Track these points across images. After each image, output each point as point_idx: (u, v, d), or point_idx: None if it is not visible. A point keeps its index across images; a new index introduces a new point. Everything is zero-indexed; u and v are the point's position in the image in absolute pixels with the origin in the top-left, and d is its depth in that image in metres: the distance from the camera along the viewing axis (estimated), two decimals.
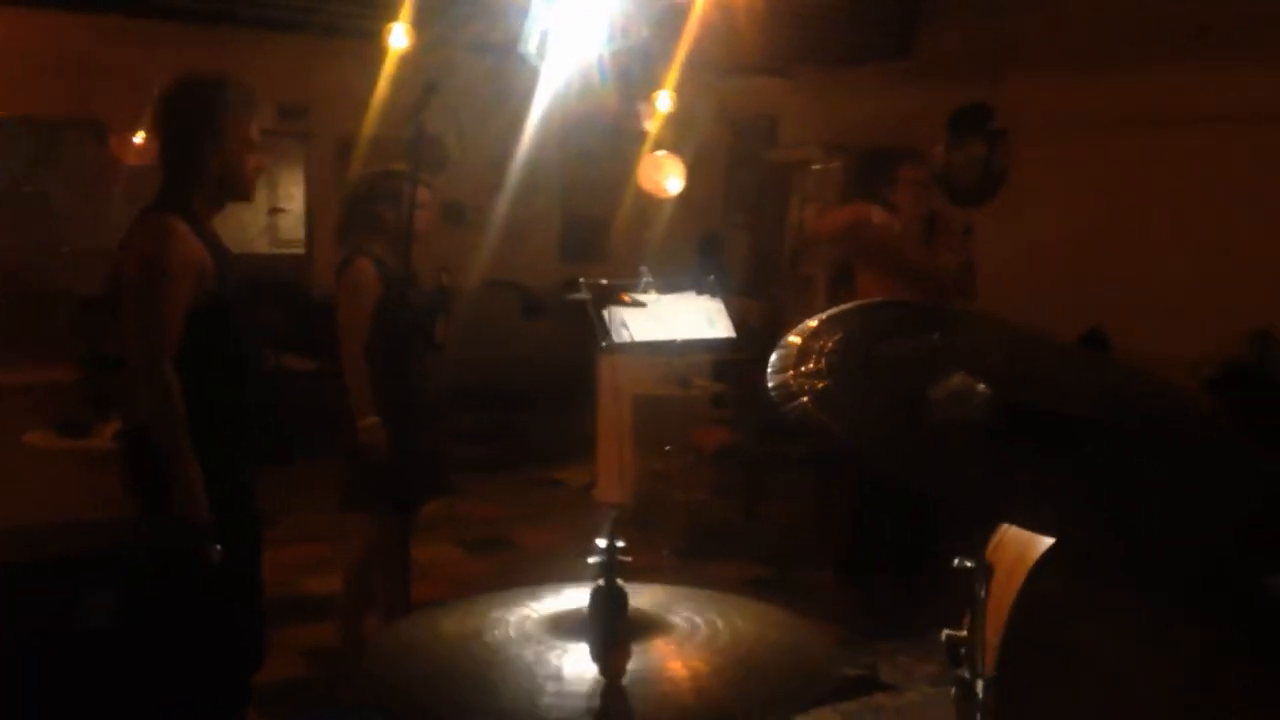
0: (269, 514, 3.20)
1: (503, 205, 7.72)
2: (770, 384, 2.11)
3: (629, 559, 1.49)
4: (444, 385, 4.34)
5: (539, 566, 4.90)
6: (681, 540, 5.25)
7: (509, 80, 6.11)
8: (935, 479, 1.97)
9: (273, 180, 8.84)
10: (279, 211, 8.90)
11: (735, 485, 5.93)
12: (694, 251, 8.03)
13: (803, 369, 2.10)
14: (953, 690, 2.68)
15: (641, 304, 4.39)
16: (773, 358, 2.17)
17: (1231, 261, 5.96)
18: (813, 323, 2.24)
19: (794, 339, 2.20)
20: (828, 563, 4.85)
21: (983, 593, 2.17)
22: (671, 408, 5.83)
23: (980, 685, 2.21)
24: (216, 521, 2.76)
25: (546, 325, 8.36)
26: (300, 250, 8.65)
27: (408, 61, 5.57)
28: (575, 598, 1.58)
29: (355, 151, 6.95)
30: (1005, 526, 2.83)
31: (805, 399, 2.03)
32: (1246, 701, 2.52)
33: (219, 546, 2.65)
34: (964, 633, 2.28)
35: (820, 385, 2.05)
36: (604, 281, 4.51)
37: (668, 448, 5.20)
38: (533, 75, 5.54)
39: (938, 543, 4.47)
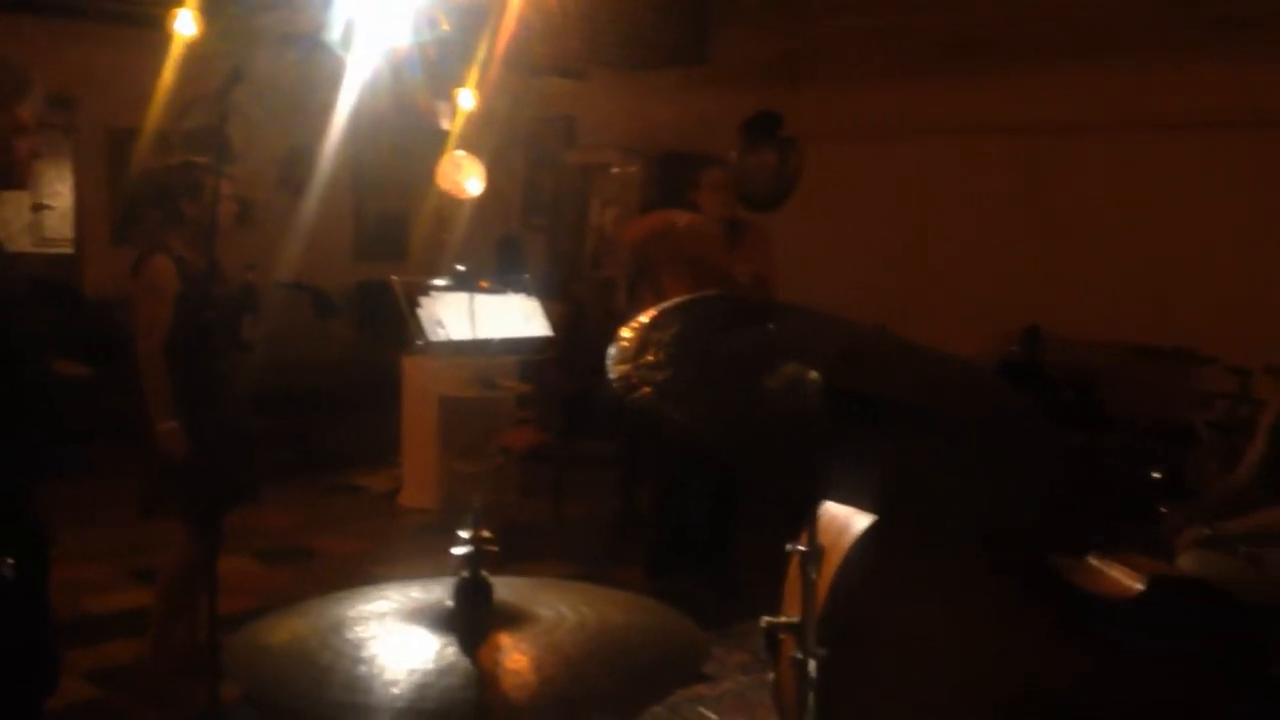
0: (50, 529, 2.99)
1: (293, 203, 7.45)
2: (611, 376, 2.13)
3: (495, 549, 1.47)
4: (248, 388, 4.16)
5: (343, 575, 4.75)
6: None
7: (305, 72, 5.90)
8: (775, 464, 2.04)
9: (36, 175, 8.22)
10: (44, 208, 8.28)
11: (544, 486, 5.92)
12: (492, 253, 7.97)
13: (642, 361, 2.13)
14: (770, 676, 2.78)
15: (481, 289, 4.30)
16: (611, 350, 2.19)
17: (1003, 262, 6.42)
18: (648, 316, 2.28)
19: (631, 332, 2.23)
20: (637, 560, 4.91)
21: (814, 574, 2.26)
22: (479, 409, 5.77)
23: (813, 665, 2.30)
24: (2, 534, 2.54)
25: (342, 326, 8.11)
26: (68, 249, 8.09)
27: (196, 51, 5.30)
28: (437, 591, 1.55)
29: (134, 145, 6.57)
30: (821, 512, 2.95)
31: (648, 390, 2.06)
32: (1035, 656, 2.71)
33: (10, 560, 2.45)
34: (783, 619, 2.36)
35: (661, 376, 2.09)
36: (417, 280, 4.42)
37: (481, 445, 5.15)
38: (329, 67, 5.38)
39: (737, 536, 4.61)
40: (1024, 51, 6.29)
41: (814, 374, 2.10)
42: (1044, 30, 6.23)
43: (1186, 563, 3.54)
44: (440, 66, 6.34)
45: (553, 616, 1.48)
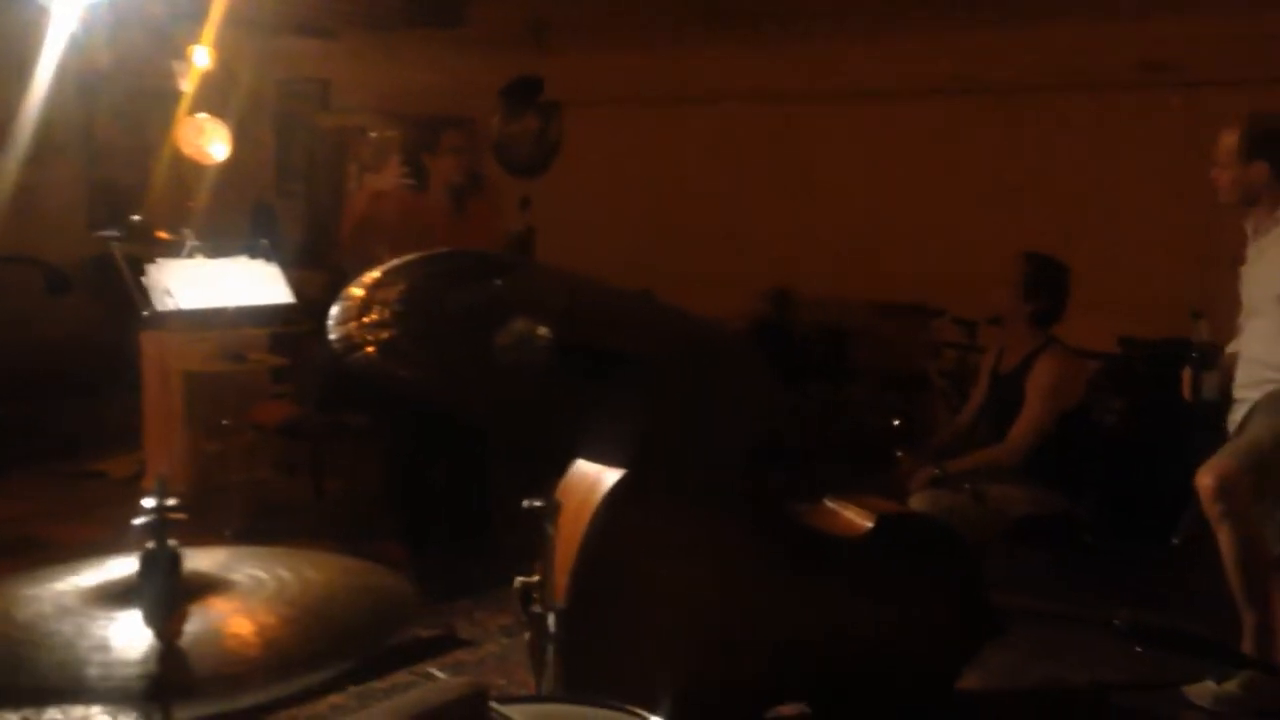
0: None
1: (11, 170, 6.84)
2: (332, 336, 2.06)
3: (182, 516, 1.38)
4: None
5: (82, 565, 4.43)
6: (243, 522, 4.97)
7: (10, 27, 5.42)
8: (507, 418, 2.03)
9: None
10: None
11: (301, 462, 5.71)
12: (246, 222, 7.60)
13: (366, 320, 2.07)
14: (527, 635, 2.77)
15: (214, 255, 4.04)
16: (334, 310, 2.12)
17: (756, 225, 6.63)
18: (375, 274, 2.21)
19: (356, 291, 2.16)
20: (398, 532, 4.81)
21: (550, 529, 2.26)
22: (227, 384, 5.47)
23: (551, 619, 2.31)
24: None
25: (77, 302, 7.54)
26: None
27: None
28: (124, 568, 1.45)
29: None
30: (571, 470, 2.97)
31: (370, 349, 2.01)
32: (769, 598, 2.82)
33: None
34: (536, 577, 2.37)
35: (386, 335, 2.04)
36: (142, 245, 4.13)
37: (225, 422, 4.89)
38: (42, 20, 4.94)
39: (492, 500, 4.58)
40: (774, 21, 6.48)
41: (543, 329, 2.10)
42: (792, 1, 6.44)
43: (918, 502, 3.76)
44: (170, 23, 5.95)
45: (250, 583, 1.41)
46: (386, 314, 1.99)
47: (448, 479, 4.45)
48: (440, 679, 1.78)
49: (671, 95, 6.97)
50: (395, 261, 2.19)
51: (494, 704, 1.75)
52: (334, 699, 3.40)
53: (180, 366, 5.46)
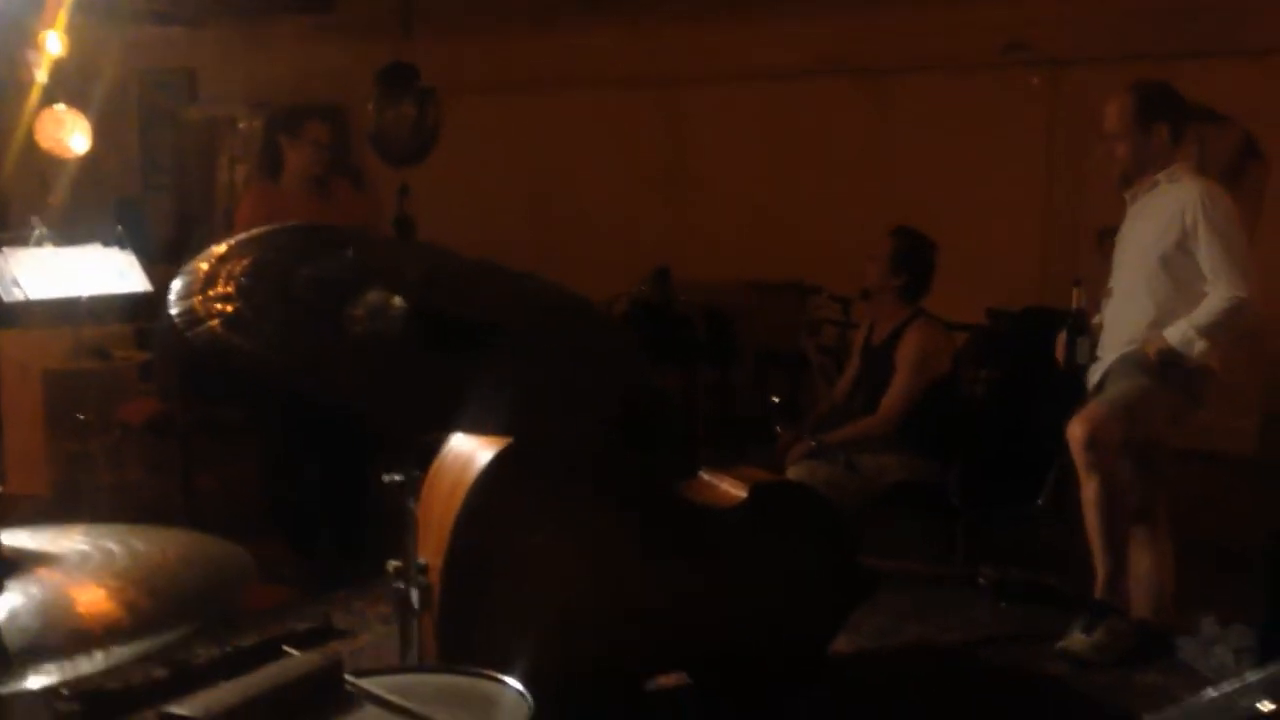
0: None
1: None
2: (174, 310, 1.99)
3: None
4: None
5: None
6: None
7: None
8: (360, 391, 1.98)
9: None
10: None
11: (170, 461, 5.52)
12: (109, 218, 7.32)
13: (210, 293, 2.00)
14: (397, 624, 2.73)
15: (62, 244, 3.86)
16: (176, 284, 2.04)
17: (637, 208, 6.64)
18: (220, 248, 2.14)
19: (201, 264, 2.09)
20: (273, 528, 4.69)
21: (411, 504, 2.23)
22: (91, 382, 5.27)
23: (415, 595, 2.28)
24: None
25: None
26: None
27: None
28: None
29: None
30: (444, 450, 2.93)
31: (214, 322, 1.94)
32: (644, 571, 2.84)
33: None
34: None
35: (230, 308, 1.97)
36: None
37: (81, 416, 4.71)
38: None
39: (369, 488, 4.51)
40: (649, 4, 6.49)
41: (397, 299, 2.06)
42: None
43: (795, 473, 3.82)
44: (21, 9, 5.70)
45: (75, 557, 1.35)
46: (231, 287, 1.92)
47: (323, 472, 4.35)
48: (295, 655, 1.73)
49: (549, 80, 6.94)
50: (243, 235, 2.12)
51: (349, 676, 1.71)
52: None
53: (40, 365, 5.24)
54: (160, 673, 3.35)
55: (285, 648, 1.82)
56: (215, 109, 7.99)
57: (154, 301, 5.08)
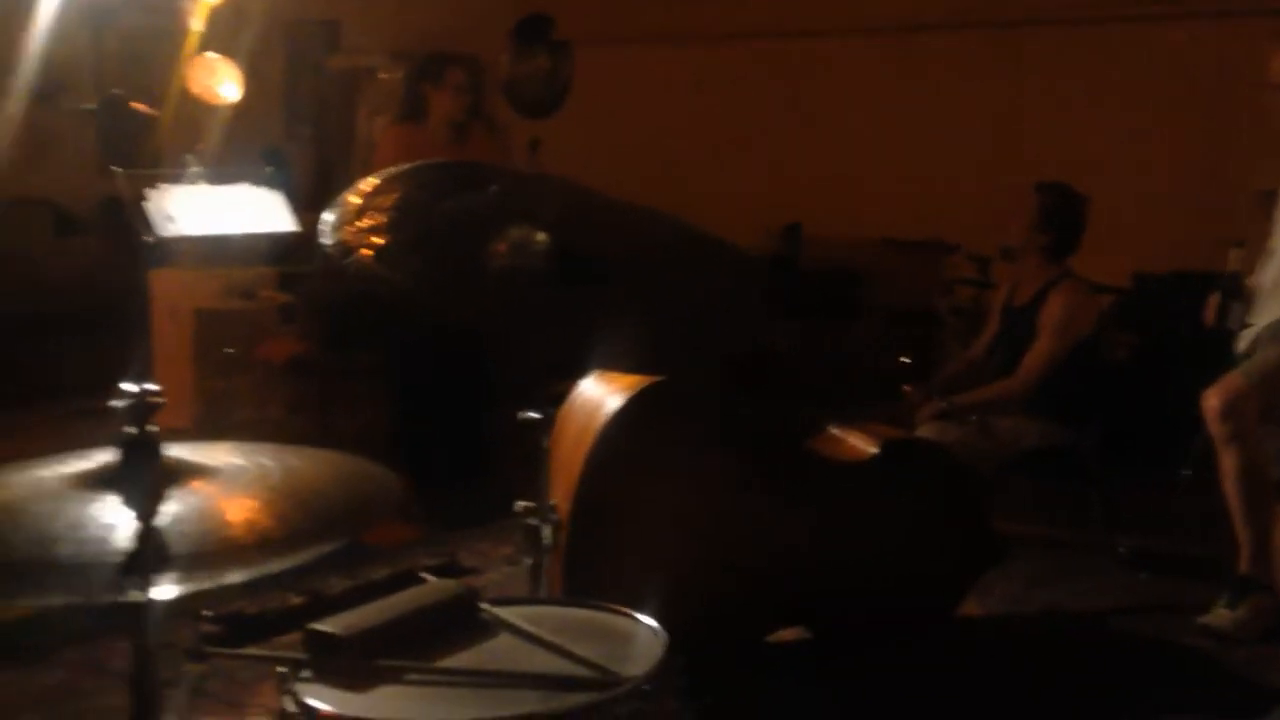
0: None
1: (20, 111, 6.81)
2: (326, 241, 2.04)
3: (162, 400, 1.37)
4: None
5: (66, 456, 4.46)
6: None
7: None
8: (501, 323, 2.01)
9: None
10: None
11: (309, 400, 5.71)
12: (255, 166, 7.56)
13: (360, 225, 2.05)
14: (527, 562, 2.78)
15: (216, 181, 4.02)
16: (328, 216, 2.09)
17: (769, 165, 6.56)
18: (371, 182, 2.19)
19: (352, 198, 2.14)
20: (402, 466, 4.81)
21: (545, 442, 2.25)
22: (236, 322, 5.48)
23: (546, 531, 2.31)
24: None
25: (87, 244, 7.55)
26: None
27: None
28: (103, 458, 1.45)
29: None
30: (574, 394, 2.95)
31: (365, 252, 1.99)
32: (770, 519, 2.82)
33: None
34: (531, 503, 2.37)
35: (380, 239, 2.01)
36: (145, 172, 4.11)
37: (230, 350, 4.90)
38: None
39: (493, 430, 4.57)
40: None
41: (540, 235, 2.07)
42: None
43: (924, 434, 3.74)
44: None
45: (232, 470, 1.40)
46: (381, 219, 1.96)
47: (450, 412, 4.45)
48: (431, 580, 1.77)
49: (684, 33, 6.88)
50: (391, 170, 2.16)
51: (484, 604, 1.74)
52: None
53: (191, 305, 5.47)
54: (296, 600, 3.49)
55: (422, 574, 1.86)
56: (356, 60, 8.15)
57: (298, 245, 5.25)
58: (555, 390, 2.73)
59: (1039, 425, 3.78)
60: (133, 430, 1.33)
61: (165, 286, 5.70)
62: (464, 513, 4.23)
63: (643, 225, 2.19)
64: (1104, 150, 5.53)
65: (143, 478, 1.30)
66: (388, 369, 5.17)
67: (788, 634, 3.07)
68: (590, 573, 2.75)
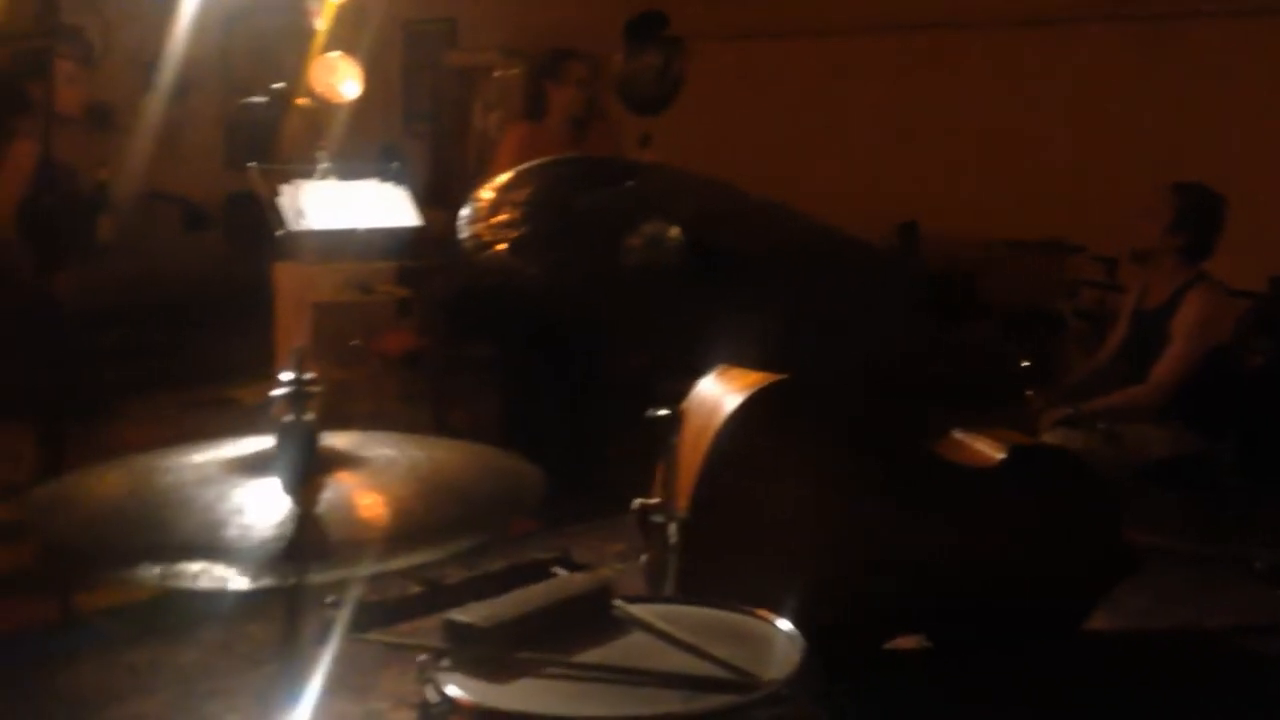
0: None
1: (156, 108, 7.08)
2: (462, 236, 2.07)
3: (318, 389, 1.40)
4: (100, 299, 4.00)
5: (220, 442, 4.62)
6: None
7: None
8: (632, 318, 2.01)
9: None
10: None
11: (422, 393, 5.82)
12: (374, 162, 7.72)
13: (495, 220, 2.07)
14: (641, 559, 2.78)
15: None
16: (464, 211, 2.12)
17: (885, 161, 6.45)
18: (504, 177, 2.21)
19: (486, 194, 2.16)
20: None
21: (673, 439, 2.25)
22: (354, 314, 5.60)
23: (673, 529, 2.30)
24: None
25: (212, 238, 7.81)
26: None
27: None
28: (259, 444, 1.48)
29: None
30: (693, 393, 2.94)
31: (500, 246, 2.01)
32: (893, 523, 2.77)
33: None
34: (655, 500, 2.36)
35: (515, 234, 2.03)
36: (278, 168, 4.24)
37: (355, 343, 5.01)
38: None
39: (600, 428, 4.59)
40: None
41: (675, 230, 2.06)
42: None
43: (1049, 440, 3.64)
44: None
45: (382, 460, 1.42)
46: (516, 214, 1.98)
47: (561, 409, 4.48)
48: (565, 575, 1.78)
49: (797, 28, 6.81)
50: (524, 165, 2.18)
51: (618, 601, 1.75)
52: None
53: (311, 297, 5.60)
54: (415, 588, 3.55)
55: (554, 569, 1.87)
56: (472, 57, 8.27)
57: (416, 239, 5.34)
58: (668, 387, 2.73)
59: (1170, 434, 3.66)
60: (290, 418, 1.36)
61: (287, 280, 5.86)
62: (575, 507, 4.25)
63: (778, 222, 2.17)
64: (1240, 148, 5.31)
65: (300, 465, 1.32)
66: (501, 362, 5.24)
67: (906, 642, 3.01)
68: (704, 573, 2.73)
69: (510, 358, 4.85)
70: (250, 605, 3.38)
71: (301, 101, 5.02)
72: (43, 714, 3.00)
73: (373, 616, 3.38)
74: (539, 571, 3.76)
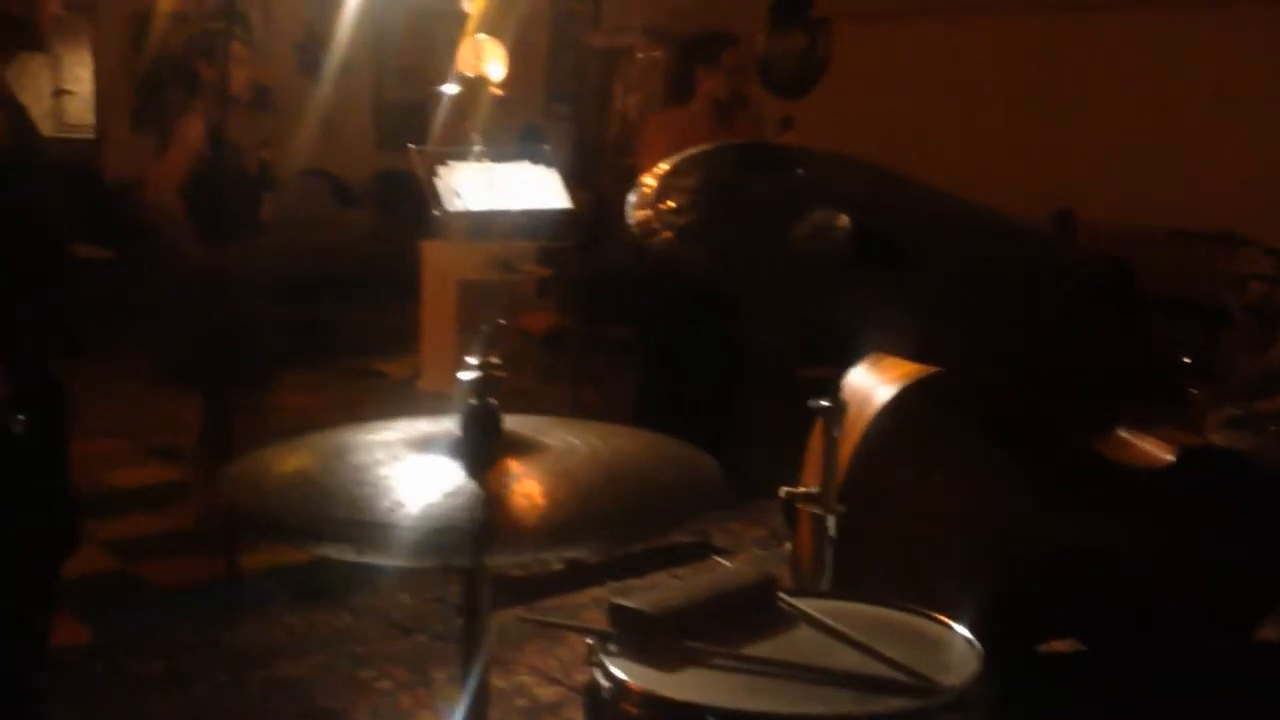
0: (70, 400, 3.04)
1: (311, 89, 7.31)
2: (631, 221, 2.06)
3: (504, 374, 1.42)
4: (261, 272, 4.16)
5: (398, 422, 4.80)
6: None
7: None
8: (800, 306, 1.98)
9: (55, 60, 8.15)
10: (66, 93, 8.21)
11: (563, 371, 5.89)
12: (516, 143, 7.83)
13: (662, 206, 2.06)
14: (786, 546, 2.75)
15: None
16: (630, 197, 2.12)
17: (1035, 145, 6.25)
18: (669, 163, 2.20)
19: (651, 180, 2.15)
20: None
21: (836, 431, 2.21)
22: (497, 293, 5.72)
23: (831, 521, 2.27)
24: (17, 392, 2.52)
25: (362, 215, 8.03)
26: (89, 135, 8.09)
27: None
28: (439, 426, 1.51)
29: (152, 26, 6.46)
30: (846, 380, 2.89)
31: (667, 234, 2.00)
32: (1054, 522, 2.68)
33: (21, 417, 2.43)
34: (801, 489, 2.33)
35: (682, 221, 2.02)
36: (435, 150, 4.34)
37: (503, 321, 5.10)
38: None
39: (742, 415, 4.56)
40: None
41: (843, 217, 2.02)
42: None
43: (1218, 440, 3.47)
44: None
45: (563, 447, 1.43)
46: (684, 200, 1.97)
47: (698, 393, 4.48)
48: (728, 565, 1.77)
49: (945, 6, 6.63)
50: (690, 151, 2.16)
51: (783, 595, 1.72)
52: (595, 593, 3.52)
53: (457, 275, 5.73)
54: (556, 565, 3.60)
55: (717, 558, 1.87)
56: (615, 39, 8.29)
57: (559, 221, 5.40)
58: (814, 374, 2.69)
59: None
60: (474, 401, 1.38)
61: (435, 257, 6.01)
62: None
63: (945, 209, 2.11)
64: None
65: (485, 449, 1.34)
66: (642, 344, 5.26)
67: (1061, 646, 2.92)
68: (850, 568, 2.69)
69: (653, 340, 4.86)
70: (401, 574, 3.49)
71: (494, 87, 5.17)
72: (207, 666, 3.14)
73: (515, 592, 3.44)
74: (679, 554, 3.77)
